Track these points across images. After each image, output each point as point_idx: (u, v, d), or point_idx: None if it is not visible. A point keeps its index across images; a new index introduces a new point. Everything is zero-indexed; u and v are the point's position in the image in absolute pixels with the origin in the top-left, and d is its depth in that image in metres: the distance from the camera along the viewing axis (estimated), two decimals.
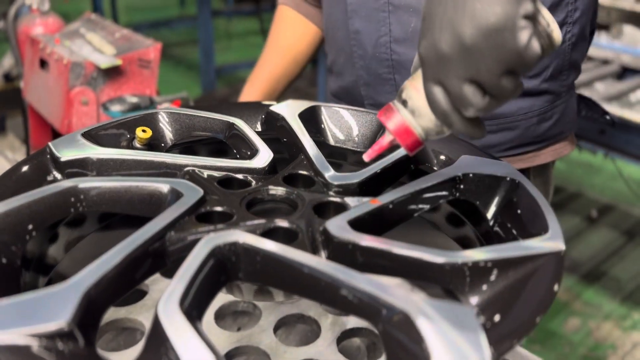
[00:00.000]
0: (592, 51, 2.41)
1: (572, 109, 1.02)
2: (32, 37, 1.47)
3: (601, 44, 2.46)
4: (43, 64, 1.39)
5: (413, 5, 0.89)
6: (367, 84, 0.99)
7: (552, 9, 0.89)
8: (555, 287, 0.53)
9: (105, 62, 1.28)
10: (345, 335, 0.84)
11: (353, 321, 0.85)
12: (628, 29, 2.64)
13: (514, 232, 0.65)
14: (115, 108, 1.29)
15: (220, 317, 0.88)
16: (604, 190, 3.01)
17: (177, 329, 0.44)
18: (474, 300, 0.54)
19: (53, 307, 0.45)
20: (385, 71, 0.95)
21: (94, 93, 1.31)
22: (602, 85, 2.21)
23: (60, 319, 0.44)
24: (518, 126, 0.94)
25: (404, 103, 0.58)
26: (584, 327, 2.14)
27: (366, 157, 0.63)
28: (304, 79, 3.68)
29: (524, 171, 0.98)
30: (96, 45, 1.39)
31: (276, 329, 0.84)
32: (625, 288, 2.34)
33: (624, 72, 2.35)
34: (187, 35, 5.04)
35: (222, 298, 0.89)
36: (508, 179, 0.69)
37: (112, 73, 1.32)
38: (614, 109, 1.94)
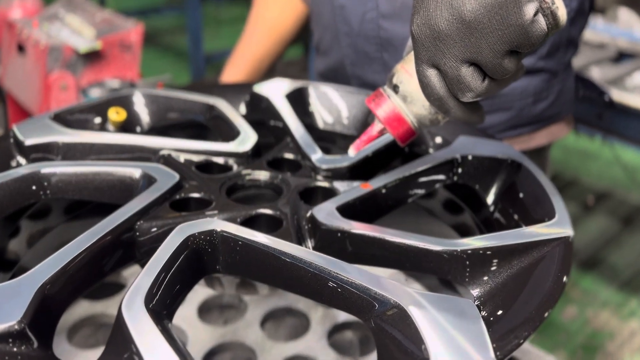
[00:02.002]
0: (588, 35, 2.36)
1: (570, 88, 0.97)
2: (9, 21, 1.41)
3: (597, 28, 2.41)
4: (20, 48, 1.33)
5: None
6: (354, 63, 0.93)
7: None
8: (564, 278, 0.48)
9: (84, 46, 1.23)
10: (336, 329, 0.79)
11: (345, 314, 0.80)
12: (624, 13, 2.59)
13: (516, 218, 0.60)
14: (95, 93, 1.23)
15: (205, 310, 0.83)
16: (601, 177, 2.97)
17: (142, 331, 0.39)
18: (475, 291, 0.49)
19: (2, 306, 0.40)
20: (373, 49, 0.90)
21: (73, 77, 1.26)
22: (598, 69, 2.17)
23: (10, 319, 0.39)
24: (513, 106, 0.90)
25: (395, 88, 0.53)
26: (581, 316, 2.11)
27: (353, 149, 0.58)
28: (295, 65, 3.62)
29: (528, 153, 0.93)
30: (76, 28, 1.33)
31: (263, 322, 0.80)
32: (622, 275, 2.30)
33: (621, 56, 2.31)
34: (176, 21, 4.96)
35: (206, 291, 0.84)
36: (509, 161, 0.64)
37: (93, 57, 1.26)
38: (612, 93, 1.90)
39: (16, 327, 0.39)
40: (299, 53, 3.78)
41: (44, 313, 0.42)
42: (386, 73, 0.91)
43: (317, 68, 1.05)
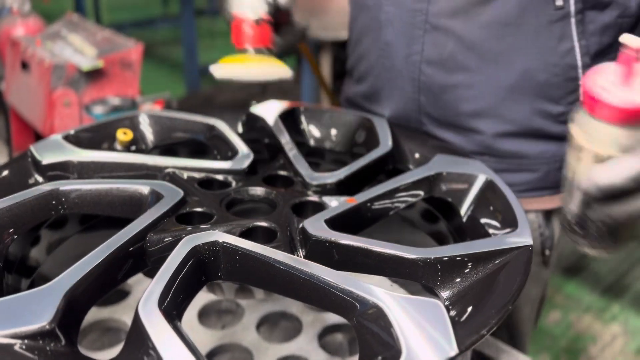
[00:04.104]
0: None
1: None
2: (13, 39, 1.47)
3: None
4: (24, 65, 1.39)
5: (453, 30, 0.83)
6: (388, 97, 0.93)
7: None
8: (524, 280, 0.55)
9: (87, 64, 1.29)
10: (326, 331, 0.85)
11: (334, 317, 0.87)
12: None
13: (485, 227, 0.67)
14: (97, 110, 1.29)
15: (205, 315, 0.89)
16: None
17: (157, 329, 0.45)
18: (446, 294, 0.56)
19: (35, 308, 0.46)
20: (410, 90, 0.89)
21: (76, 94, 1.32)
22: None
23: (41, 320, 0.45)
24: (539, 169, 0.89)
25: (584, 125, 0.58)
26: (564, 320, 2.18)
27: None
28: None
29: (547, 212, 0.94)
30: (78, 47, 1.39)
31: (259, 326, 0.86)
32: (604, 281, 2.38)
33: None
34: (171, 34, 5.02)
35: (206, 297, 0.90)
36: (481, 177, 0.71)
37: (94, 74, 1.32)
38: None
39: (47, 327, 0.46)
40: (291, 66, 3.85)
41: (70, 315, 0.48)
42: (419, 112, 0.91)
43: (345, 92, 1.05)
